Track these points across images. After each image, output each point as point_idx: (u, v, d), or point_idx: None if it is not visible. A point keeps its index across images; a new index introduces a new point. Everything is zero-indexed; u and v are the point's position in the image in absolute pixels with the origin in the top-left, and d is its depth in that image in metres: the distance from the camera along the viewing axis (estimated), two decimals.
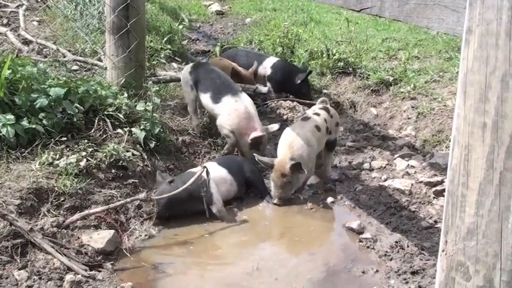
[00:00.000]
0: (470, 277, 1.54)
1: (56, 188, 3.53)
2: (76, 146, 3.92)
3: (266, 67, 6.17)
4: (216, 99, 4.69)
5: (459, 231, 1.55)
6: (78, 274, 3.02)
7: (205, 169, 3.94)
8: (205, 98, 4.79)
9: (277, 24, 8.19)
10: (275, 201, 4.15)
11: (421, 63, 6.38)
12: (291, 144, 4.16)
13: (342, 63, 6.50)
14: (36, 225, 3.25)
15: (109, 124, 4.24)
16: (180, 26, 7.88)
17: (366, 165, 4.74)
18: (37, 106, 3.95)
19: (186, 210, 3.90)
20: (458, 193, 1.55)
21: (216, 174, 4.07)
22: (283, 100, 5.89)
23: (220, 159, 4.50)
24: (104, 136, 4.16)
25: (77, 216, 3.44)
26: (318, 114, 4.45)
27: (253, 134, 4.51)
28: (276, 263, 3.41)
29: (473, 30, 1.47)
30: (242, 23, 9.37)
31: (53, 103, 4.01)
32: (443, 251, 1.61)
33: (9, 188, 3.40)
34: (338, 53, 6.68)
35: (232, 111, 4.59)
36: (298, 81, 5.90)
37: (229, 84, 4.84)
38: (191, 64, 5.20)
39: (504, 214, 1.47)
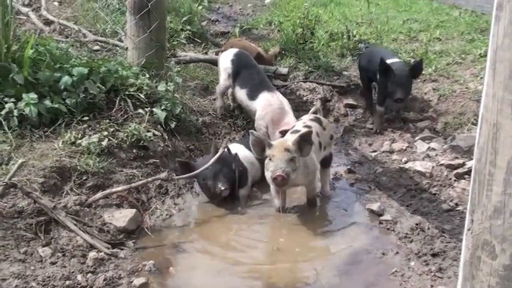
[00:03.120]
0: (496, 256, 1.53)
1: (78, 167, 3.58)
2: (98, 125, 3.95)
3: None
4: (253, 96, 4.70)
5: (486, 209, 1.54)
6: (101, 251, 3.07)
7: (227, 148, 3.96)
8: (241, 93, 4.80)
9: (297, 5, 8.09)
10: (278, 173, 3.35)
11: (442, 44, 6.29)
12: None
13: (363, 45, 6.43)
14: (60, 203, 3.29)
15: (130, 104, 4.26)
16: (200, 7, 7.83)
17: (386, 148, 4.71)
18: (61, 86, 3.98)
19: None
20: (485, 171, 1.54)
21: (246, 157, 4.07)
22: (302, 81, 5.85)
23: (245, 141, 4.35)
24: (125, 116, 4.19)
25: (99, 195, 3.48)
26: (308, 127, 3.78)
27: (283, 128, 4.42)
28: (296, 244, 3.42)
29: (504, 6, 1.44)
30: (261, 3, 9.28)
31: (75, 83, 4.03)
32: (469, 229, 1.60)
33: (33, 167, 3.45)
34: (358, 34, 6.63)
35: (266, 105, 4.60)
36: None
37: (267, 82, 4.85)
38: (233, 51, 5.03)
39: None
